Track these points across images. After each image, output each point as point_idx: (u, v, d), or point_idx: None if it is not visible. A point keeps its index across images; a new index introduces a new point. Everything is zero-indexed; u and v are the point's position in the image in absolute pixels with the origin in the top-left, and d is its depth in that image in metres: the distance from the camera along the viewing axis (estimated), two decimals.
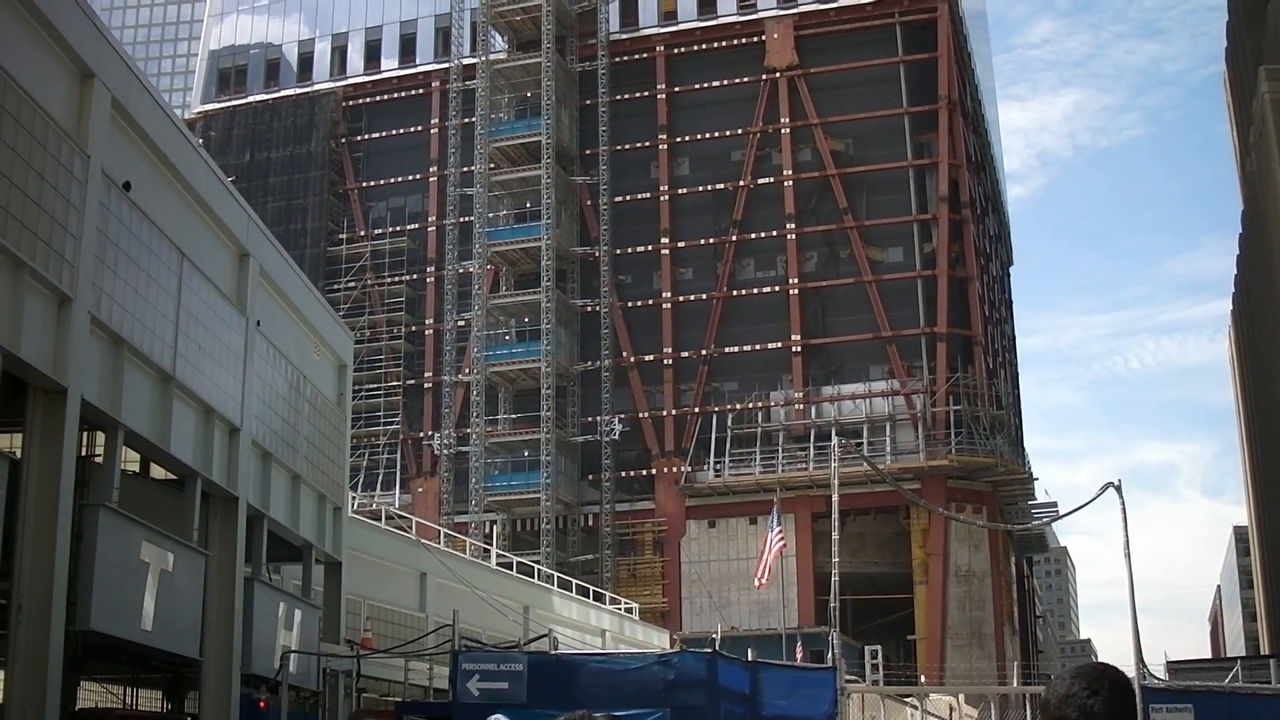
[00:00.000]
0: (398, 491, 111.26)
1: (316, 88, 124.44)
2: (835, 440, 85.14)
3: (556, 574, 74.66)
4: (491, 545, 73.44)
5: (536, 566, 72.73)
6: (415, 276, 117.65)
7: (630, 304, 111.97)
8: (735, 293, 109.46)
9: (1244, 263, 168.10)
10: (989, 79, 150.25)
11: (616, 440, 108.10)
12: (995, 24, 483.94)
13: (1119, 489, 71.53)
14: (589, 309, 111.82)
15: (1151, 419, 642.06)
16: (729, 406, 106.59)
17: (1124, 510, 69.93)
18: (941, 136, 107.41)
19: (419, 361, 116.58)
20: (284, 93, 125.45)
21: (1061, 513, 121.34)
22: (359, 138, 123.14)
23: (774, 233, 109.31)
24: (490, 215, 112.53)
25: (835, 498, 75.28)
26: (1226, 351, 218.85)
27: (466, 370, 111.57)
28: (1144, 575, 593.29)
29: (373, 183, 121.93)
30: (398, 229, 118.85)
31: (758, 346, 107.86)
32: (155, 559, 26.05)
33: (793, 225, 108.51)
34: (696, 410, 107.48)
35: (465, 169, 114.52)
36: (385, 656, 41.52)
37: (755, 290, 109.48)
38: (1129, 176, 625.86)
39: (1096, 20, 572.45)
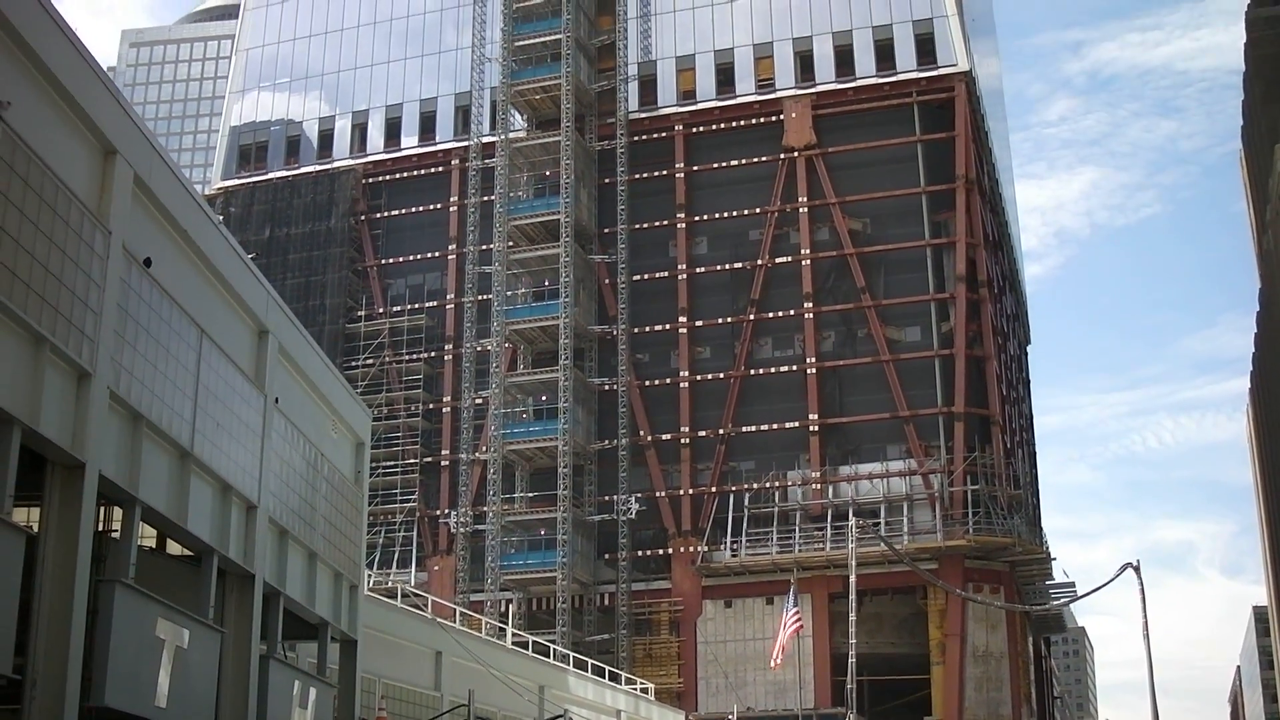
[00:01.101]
0: (414, 569, 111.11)
1: (336, 164, 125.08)
2: (852, 520, 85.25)
3: (572, 653, 74.30)
4: (507, 624, 73.11)
5: (552, 646, 72.37)
6: (433, 354, 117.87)
7: (648, 383, 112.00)
8: (753, 372, 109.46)
9: (1262, 340, 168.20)
10: (1006, 157, 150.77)
11: (633, 519, 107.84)
12: (1012, 102, 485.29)
13: (1138, 569, 71.26)
14: (606, 387, 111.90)
15: (1170, 498, 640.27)
16: (746, 486, 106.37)
17: (1143, 592, 69.61)
18: (959, 216, 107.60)
19: (436, 439, 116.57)
20: (304, 169, 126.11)
21: (1080, 593, 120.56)
22: (378, 215, 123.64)
23: (792, 312, 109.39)
24: (508, 293, 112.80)
25: (853, 578, 75.14)
26: (1245, 430, 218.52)
27: (483, 448, 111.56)
28: (1163, 655, 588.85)
29: (392, 260, 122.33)
30: (416, 306, 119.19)
31: (775, 426, 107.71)
32: (171, 635, 25.95)
33: (810, 304, 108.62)
34: (713, 490, 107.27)
35: (484, 247, 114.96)
36: None
37: (773, 369, 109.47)
38: (1146, 254, 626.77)
39: (1113, 99, 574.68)
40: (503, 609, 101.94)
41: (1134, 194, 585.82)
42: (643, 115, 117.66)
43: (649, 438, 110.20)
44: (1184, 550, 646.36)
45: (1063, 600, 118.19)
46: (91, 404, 22.58)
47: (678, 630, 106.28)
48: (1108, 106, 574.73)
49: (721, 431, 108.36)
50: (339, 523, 37.90)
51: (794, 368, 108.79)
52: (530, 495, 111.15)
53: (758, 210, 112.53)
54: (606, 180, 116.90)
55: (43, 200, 21.15)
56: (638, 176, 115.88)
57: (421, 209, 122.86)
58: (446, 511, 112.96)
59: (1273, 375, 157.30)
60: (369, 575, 51.17)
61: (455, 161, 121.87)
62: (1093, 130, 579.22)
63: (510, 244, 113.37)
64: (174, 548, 30.64)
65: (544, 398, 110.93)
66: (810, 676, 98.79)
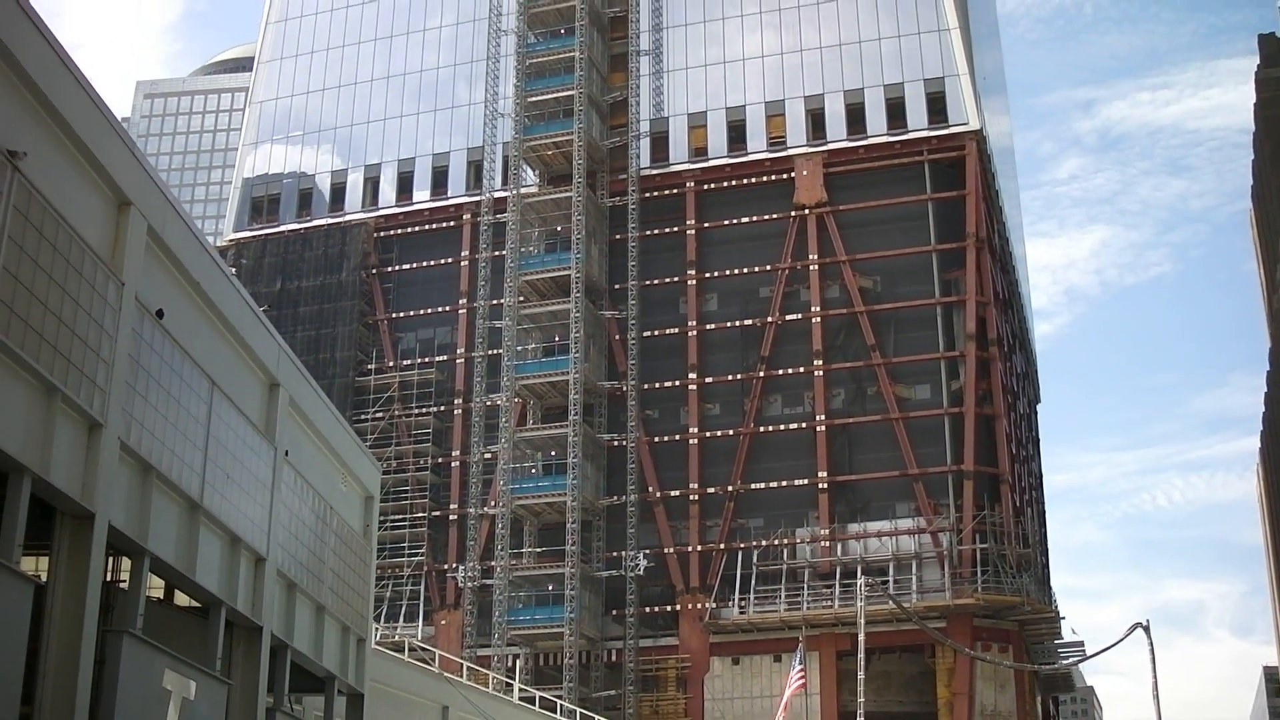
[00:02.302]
0: (421, 623, 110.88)
1: (348, 218, 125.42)
2: (861, 578, 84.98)
3: (579, 709, 74.07)
4: (514, 679, 73.00)
5: (559, 702, 72.19)
6: (443, 408, 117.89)
7: (657, 439, 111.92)
8: (762, 429, 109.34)
9: (1272, 400, 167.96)
10: (1016, 215, 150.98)
11: (641, 575, 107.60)
12: (1023, 161, 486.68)
13: (1147, 629, 71.05)
14: (616, 443, 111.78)
15: (1179, 557, 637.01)
16: (755, 543, 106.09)
17: (1152, 652, 69.41)
18: (969, 274, 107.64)
19: (445, 493, 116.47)
20: (316, 222, 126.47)
21: (1089, 653, 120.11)
22: (389, 268, 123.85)
23: (801, 369, 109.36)
24: (519, 348, 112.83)
25: (861, 636, 74.90)
26: (1255, 489, 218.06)
27: (492, 503, 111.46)
28: (1172, 715, 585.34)
29: (402, 314, 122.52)
30: (426, 360, 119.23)
31: (784, 483, 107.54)
32: (177, 687, 25.89)
33: (820, 362, 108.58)
34: (722, 546, 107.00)
35: (494, 301, 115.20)
36: None
37: (782, 427, 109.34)
38: (1156, 313, 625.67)
39: (1124, 157, 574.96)
40: (510, 664, 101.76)
41: (1144, 252, 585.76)
42: (654, 172, 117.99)
43: (658, 494, 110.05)
44: (1193, 610, 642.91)
45: (1071, 660, 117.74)
46: (102, 454, 22.60)
47: (685, 687, 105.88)
48: (1118, 165, 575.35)
49: (730, 488, 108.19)
50: (347, 576, 37.87)
51: (803, 425, 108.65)
52: (538, 550, 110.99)
53: (768, 267, 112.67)
54: (618, 236, 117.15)
55: (56, 251, 21.23)
56: (649, 232, 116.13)
57: (432, 263, 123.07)
58: (454, 566, 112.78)
59: None
60: (376, 629, 51.10)
61: (467, 216, 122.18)
62: (1103, 189, 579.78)
63: (521, 299, 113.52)
64: (182, 599, 30.63)
65: (553, 453, 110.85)
66: None
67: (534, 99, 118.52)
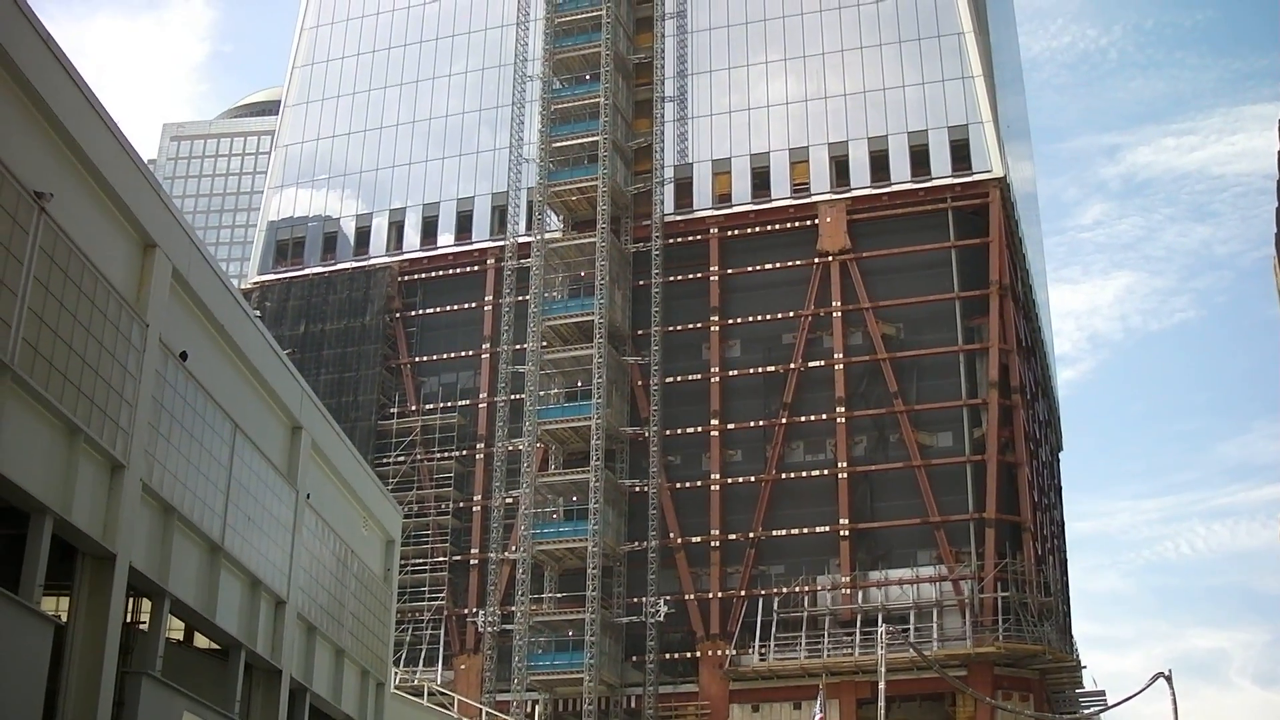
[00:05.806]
0: (440, 668, 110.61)
1: (373, 261, 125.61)
2: (882, 626, 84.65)
3: None
4: None
5: None
6: (465, 452, 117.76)
7: (679, 485, 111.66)
8: (784, 475, 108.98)
9: None
10: (1040, 262, 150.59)
11: (661, 621, 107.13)
12: (1047, 206, 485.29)
13: (1169, 679, 70.65)
14: (637, 489, 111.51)
15: (1202, 605, 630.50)
16: (775, 590, 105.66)
17: (1175, 701, 69.02)
18: (992, 322, 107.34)
19: (466, 538, 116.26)
20: (340, 265, 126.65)
21: (1110, 702, 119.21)
22: (413, 312, 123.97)
23: (824, 416, 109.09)
24: (541, 393, 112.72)
25: (882, 684, 74.59)
26: (1278, 537, 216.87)
27: (513, 548, 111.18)
28: None
29: (425, 358, 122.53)
30: (449, 404, 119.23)
31: (805, 530, 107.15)
32: None
33: (843, 409, 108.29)
34: (743, 593, 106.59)
35: (518, 346, 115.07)
36: None
37: (804, 473, 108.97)
38: (1180, 359, 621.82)
39: (1148, 203, 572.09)
40: (529, 709, 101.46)
41: (1168, 299, 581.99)
42: (678, 218, 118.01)
43: (679, 540, 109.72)
44: (1216, 659, 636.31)
45: (1093, 709, 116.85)
46: (124, 495, 22.64)
47: None
48: (1142, 211, 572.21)
49: (752, 535, 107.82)
50: (367, 620, 37.86)
51: (825, 472, 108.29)
52: (559, 596, 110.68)
53: (791, 314, 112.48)
54: (641, 282, 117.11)
55: (82, 292, 21.31)
56: (672, 278, 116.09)
57: (456, 307, 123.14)
58: (474, 610, 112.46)
59: None
60: (395, 673, 50.99)
61: (490, 261, 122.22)
62: (1127, 234, 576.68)
63: (544, 344, 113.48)
64: (202, 641, 30.64)
65: (575, 498, 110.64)
66: None
67: (558, 144, 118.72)
